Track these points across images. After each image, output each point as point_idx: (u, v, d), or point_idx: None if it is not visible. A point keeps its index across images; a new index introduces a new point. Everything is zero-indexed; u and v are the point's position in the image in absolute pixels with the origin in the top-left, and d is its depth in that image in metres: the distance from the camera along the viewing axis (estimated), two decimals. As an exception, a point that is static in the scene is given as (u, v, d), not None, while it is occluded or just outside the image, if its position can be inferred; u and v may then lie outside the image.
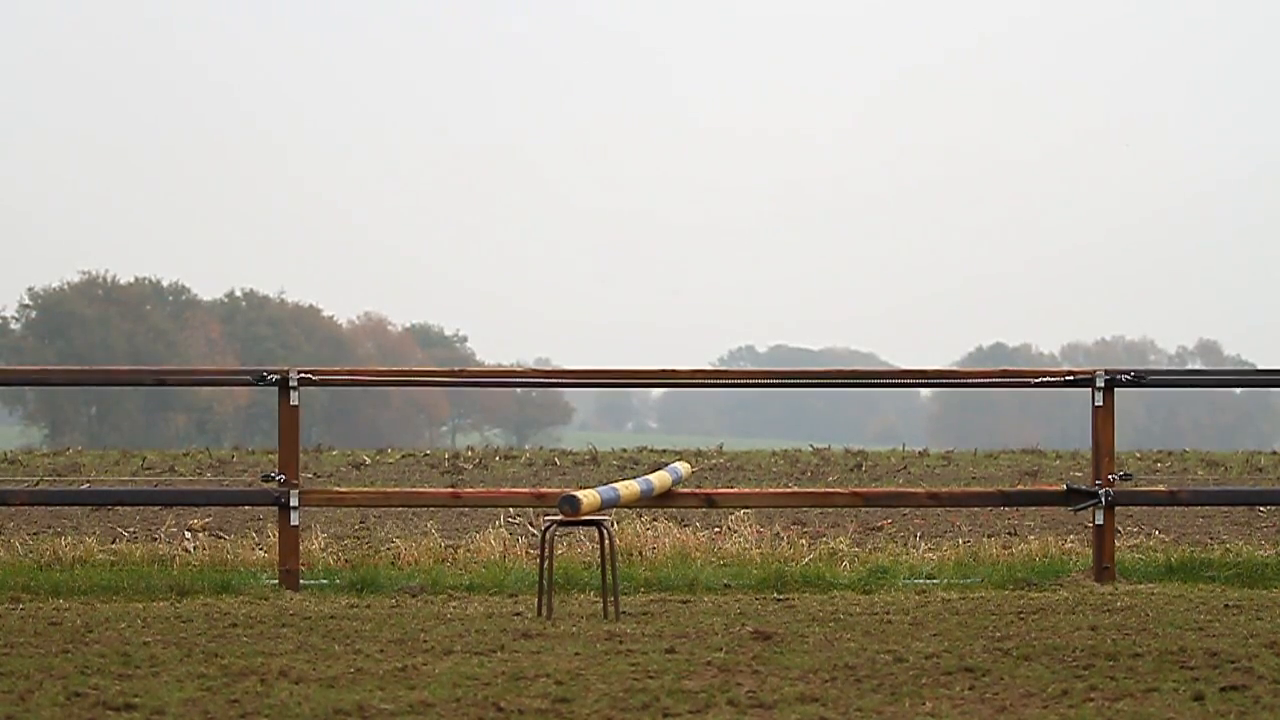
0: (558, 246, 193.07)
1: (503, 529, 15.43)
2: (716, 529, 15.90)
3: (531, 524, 16.76)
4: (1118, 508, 14.66)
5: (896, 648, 10.12)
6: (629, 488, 12.72)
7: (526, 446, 50.68)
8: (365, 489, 16.07)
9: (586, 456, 30.58)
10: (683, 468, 14.08)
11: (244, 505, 16.69)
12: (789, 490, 16.77)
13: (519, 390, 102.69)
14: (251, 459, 30.14)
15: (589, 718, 8.08)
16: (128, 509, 19.44)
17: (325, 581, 13.73)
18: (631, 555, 14.48)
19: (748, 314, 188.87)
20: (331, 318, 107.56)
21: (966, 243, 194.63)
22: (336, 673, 9.22)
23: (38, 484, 23.09)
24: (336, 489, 14.75)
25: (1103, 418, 13.89)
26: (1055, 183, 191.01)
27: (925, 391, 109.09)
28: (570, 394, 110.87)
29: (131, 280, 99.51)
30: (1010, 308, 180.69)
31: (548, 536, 11.97)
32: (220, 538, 15.73)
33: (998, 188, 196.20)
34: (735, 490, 16.31)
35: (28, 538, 15.78)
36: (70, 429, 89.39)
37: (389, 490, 15.30)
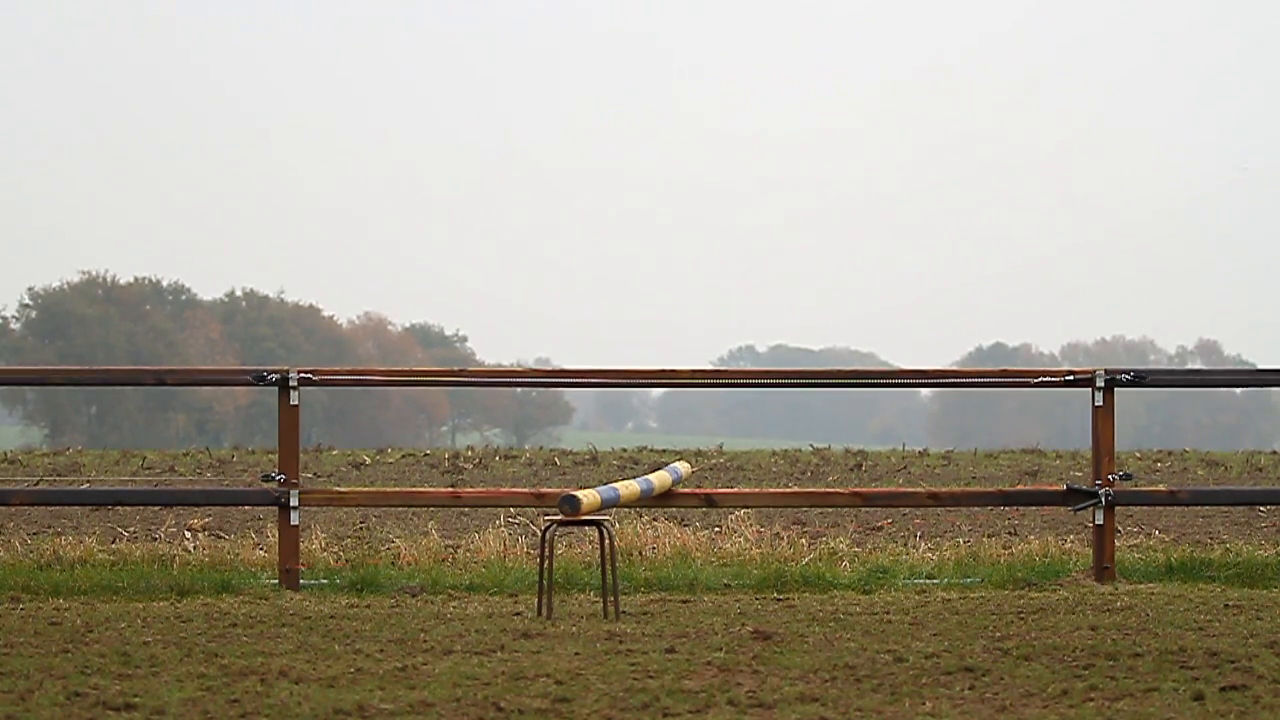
0: (558, 246, 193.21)
1: (503, 529, 15.43)
2: (716, 529, 15.89)
3: (531, 524, 16.76)
4: (1118, 508, 14.65)
5: (896, 648, 10.13)
6: (629, 488, 12.72)
7: (526, 446, 50.65)
8: (365, 489, 16.06)
9: (586, 456, 30.57)
10: (683, 468, 14.08)
11: (244, 505, 16.68)
12: (789, 490, 16.77)
13: (519, 390, 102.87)
14: (251, 459, 30.14)
15: (589, 718, 8.08)
16: (128, 509, 19.43)
17: (325, 581, 13.73)
18: (631, 555, 14.48)
19: (748, 314, 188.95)
20: (331, 318, 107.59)
21: (966, 243, 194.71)
22: (336, 673, 9.22)
23: (38, 484, 23.08)
24: (336, 489, 14.75)
25: (1103, 418, 13.90)
26: (1055, 182, 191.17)
27: (925, 391, 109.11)
28: (570, 394, 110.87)
29: (131, 280, 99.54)
30: (1010, 308, 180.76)
31: (548, 536, 11.97)
32: (220, 538, 15.73)
33: (998, 187, 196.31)
34: (735, 490, 16.31)
35: (28, 538, 15.78)
36: (70, 429, 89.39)
37: (389, 490, 15.29)
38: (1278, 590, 13.28)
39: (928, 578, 13.94)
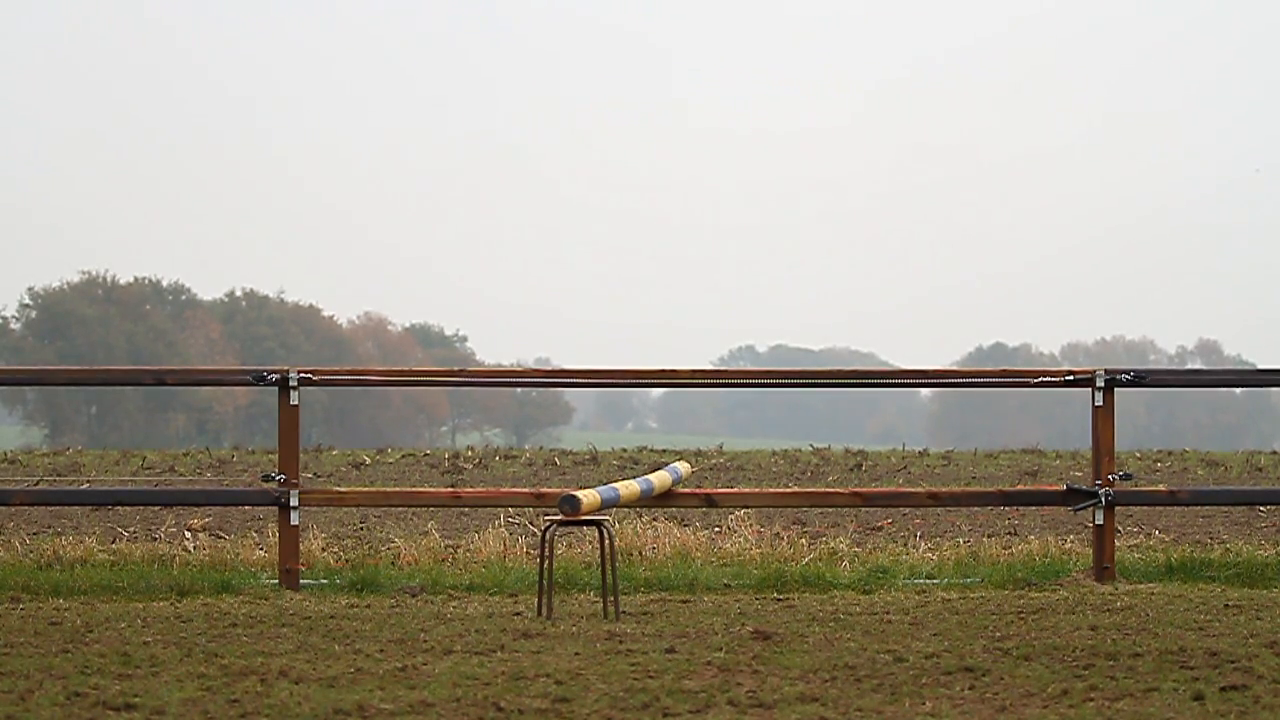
0: (558, 246, 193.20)
1: (503, 529, 15.43)
2: (716, 529, 15.89)
3: (531, 524, 16.75)
4: (1118, 508, 14.65)
5: (896, 648, 10.12)
6: (629, 488, 12.72)
7: (526, 446, 50.63)
8: (365, 489, 16.06)
9: (586, 456, 30.58)
10: (683, 468, 14.08)
11: (244, 505, 16.68)
12: (789, 490, 16.76)
13: (519, 390, 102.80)
14: (251, 459, 30.13)
15: (589, 718, 8.08)
16: (128, 509, 19.43)
17: (325, 581, 13.73)
18: (631, 555, 14.48)
19: (748, 314, 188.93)
20: (331, 318, 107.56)
21: (966, 243, 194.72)
22: (336, 673, 9.22)
23: (38, 484, 23.08)
24: (336, 489, 14.75)
25: (1103, 418, 13.89)
26: (1055, 182, 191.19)
27: (925, 391, 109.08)
28: (570, 394, 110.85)
29: (131, 280, 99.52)
30: (1010, 308, 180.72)
31: (548, 536, 11.97)
32: (220, 538, 15.73)
33: (998, 188, 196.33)
34: (735, 490, 16.31)
35: (28, 538, 15.78)
36: (70, 429, 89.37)
37: (389, 490, 15.29)
38: (1278, 590, 13.28)
39: (928, 578, 13.94)
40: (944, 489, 15.76)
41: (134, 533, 16.66)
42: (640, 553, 14.58)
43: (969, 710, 8.20)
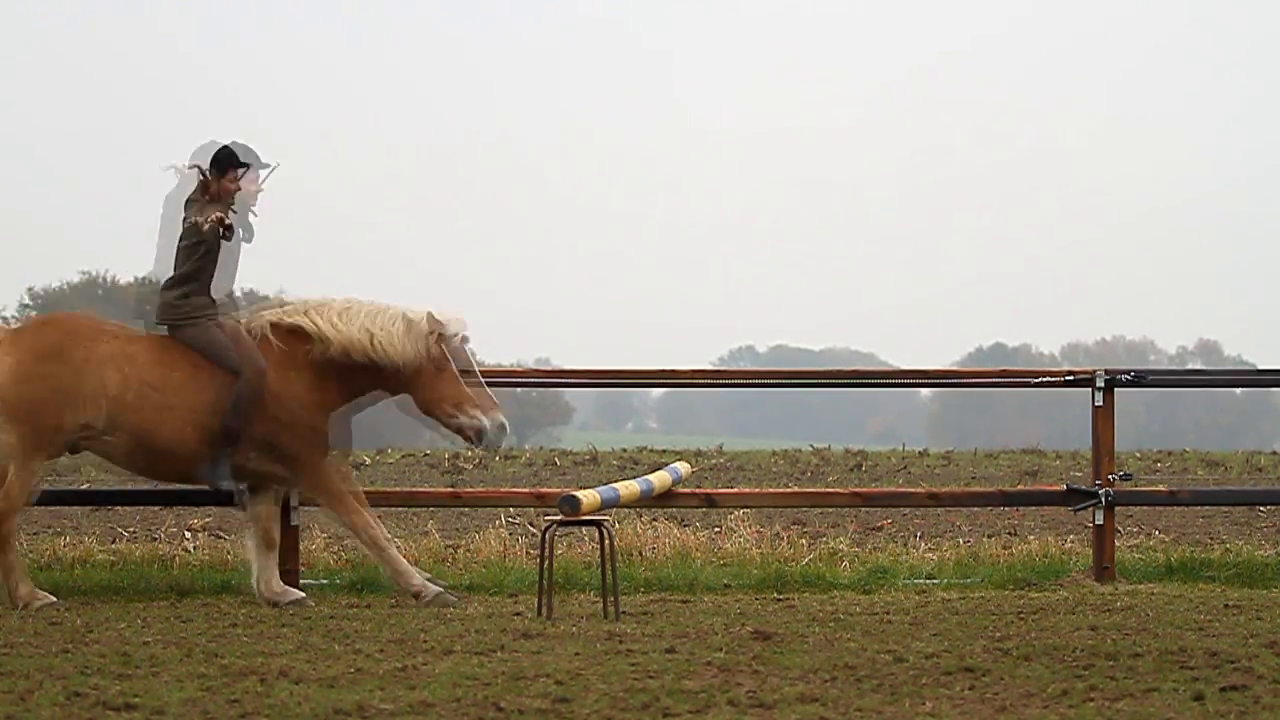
0: (557, 246, 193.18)
1: (503, 529, 15.42)
2: (716, 529, 15.89)
3: (531, 524, 16.75)
4: (1118, 508, 14.66)
5: (896, 648, 10.12)
6: (629, 488, 12.72)
7: (526, 446, 50.63)
8: (365, 489, 16.04)
9: (586, 456, 30.59)
10: (683, 468, 14.08)
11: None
12: (789, 490, 16.77)
13: (519, 390, 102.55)
14: (251, 459, 30.10)
15: (589, 718, 8.07)
16: (128, 509, 19.42)
17: (325, 581, 13.73)
18: (631, 555, 14.48)
19: (748, 314, 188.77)
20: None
21: (966, 243, 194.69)
22: (336, 673, 9.21)
23: (38, 484, 23.04)
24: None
25: (1103, 418, 13.89)
26: (1055, 182, 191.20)
27: (925, 391, 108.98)
28: (570, 394, 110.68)
29: (131, 280, 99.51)
30: (1010, 308, 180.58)
31: (548, 536, 11.97)
32: (220, 538, 15.73)
33: (997, 188, 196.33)
34: (735, 490, 16.31)
35: (27, 538, 15.77)
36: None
37: (389, 490, 15.29)
38: (1278, 590, 13.28)
39: (928, 578, 13.94)
40: (944, 489, 15.77)
41: (134, 533, 16.66)
42: (640, 553, 14.58)
43: (969, 710, 8.20)
